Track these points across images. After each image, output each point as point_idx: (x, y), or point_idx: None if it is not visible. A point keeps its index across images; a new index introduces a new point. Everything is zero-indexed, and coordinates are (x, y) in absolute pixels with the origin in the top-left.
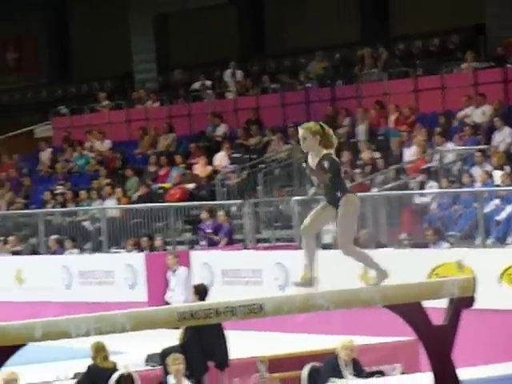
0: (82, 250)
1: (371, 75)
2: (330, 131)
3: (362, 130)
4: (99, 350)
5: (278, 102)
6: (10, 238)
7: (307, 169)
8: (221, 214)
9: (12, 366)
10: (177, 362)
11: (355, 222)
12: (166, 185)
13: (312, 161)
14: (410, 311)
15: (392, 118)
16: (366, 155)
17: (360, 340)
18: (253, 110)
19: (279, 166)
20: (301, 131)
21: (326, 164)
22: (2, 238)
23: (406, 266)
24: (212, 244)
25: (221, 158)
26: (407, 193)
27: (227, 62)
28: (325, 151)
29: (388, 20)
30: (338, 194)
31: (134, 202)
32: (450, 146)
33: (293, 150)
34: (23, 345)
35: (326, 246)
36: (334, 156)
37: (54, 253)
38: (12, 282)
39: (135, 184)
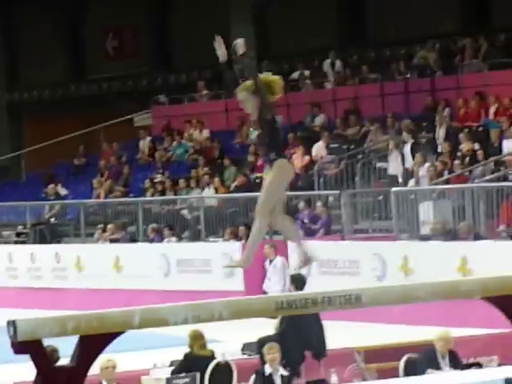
0: (180, 239)
1: (471, 66)
2: (269, 77)
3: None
4: (197, 339)
5: (377, 92)
6: (109, 226)
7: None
8: (318, 204)
9: (110, 353)
10: (272, 351)
11: (282, 189)
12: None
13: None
14: (508, 304)
15: (492, 109)
16: (465, 147)
17: (457, 332)
18: (351, 99)
19: (377, 156)
20: (239, 95)
21: (262, 122)
22: (100, 226)
23: (505, 258)
24: (309, 234)
25: (319, 148)
26: (507, 185)
27: (326, 52)
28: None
29: (489, 11)
30: (271, 156)
31: (231, 192)
32: None
33: (391, 141)
34: (121, 332)
35: (423, 238)
36: (272, 113)
37: (152, 241)
38: (110, 269)
39: (233, 173)
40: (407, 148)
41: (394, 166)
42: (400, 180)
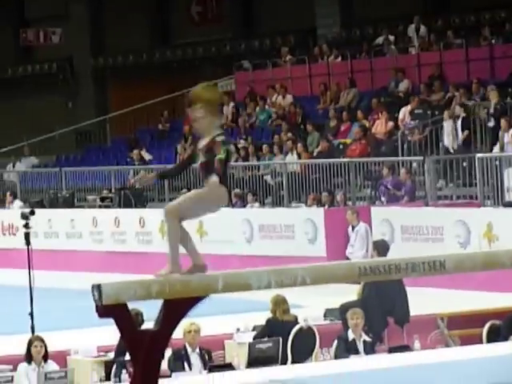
0: (263, 204)
1: None
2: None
3: None
4: (279, 304)
5: (462, 57)
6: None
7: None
8: (402, 170)
9: (193, 318)
10: (356, 317)
11: (203, 208)
12: (346, 140)
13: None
14: None
15: None
16: None
17: None
18: (436, 65)
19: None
20: (195, 109)
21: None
22: (184, 191)
23: None
24: (392, 200)
25: (406, 113)
26: None
27: (411, 17)
28: (216, 131)
29: None
30: (213, 178)
31: (314, 157)
32: None
33: (477, 106)
34: (205, 296)
35: (508, 204)
36: (220, 139)
37: (235, 206)
38: (193, 234)
39: (316, 139)
40: (458, 123)
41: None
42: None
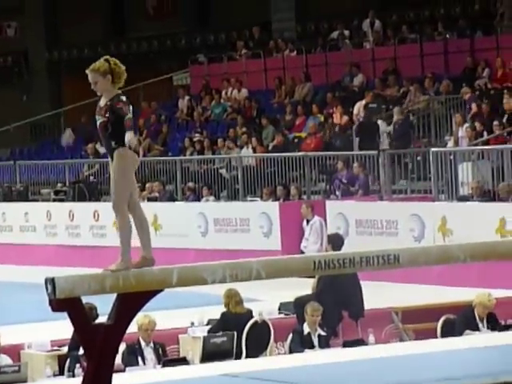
0: (218, 198)
1: (511, 27)
2: (122, 67)
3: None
4: (232, 297)
5: (417, 52)
6: (147, 185)
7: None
8: (355, 164)
9: (148, 312)
10: (316, 314)
11: (129, 180)
12: (301, 134)
13: (102, 101)
14: None
15: None
16: (507, 106)
17: (495, 293)
18: (390, 59)
19: (416, 116)
20: (90, 74)
21: (116, 106)
22: (139, 185)
23: None
24: (347, 194)
25: (360, 108)
26: None
27: (366, 12)
28: (117, 91)
29: None
30: (113, 144)
31: (269, 151)
32: None
33: (430, 101)
34: (160, 290)
35: (462, 198)
36: (124, 99)
37: (190, 200)
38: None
39: (271, 133)
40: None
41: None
42: None
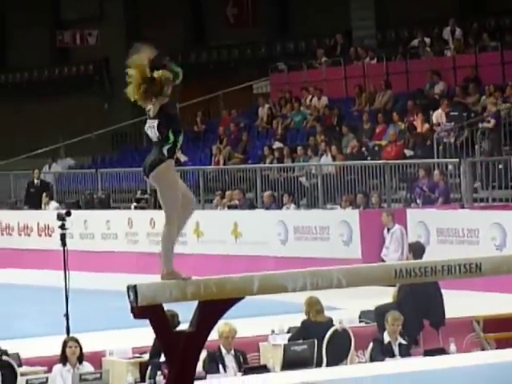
0: (298, 206)
1: None
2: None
3: None
4: (312, 304)
5: (498, 60)
6: (228, 193)
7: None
8: (437, 172)
9: (229, 319)
10: (397, 323)
11: (175, 192)
12: (382, 142)
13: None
14: None
15: None
16: None
17: None
18: (471, 67)
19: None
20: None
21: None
22: (219, 193)
23: None
24: (428, 202)
25: (438, 116)
26: None
27: (446, 19)
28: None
29: None
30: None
31: (349, 159)
32: None
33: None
34: (241, 298)
35: None
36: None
37: (270, 207)
38: (229, 235)
39: (351, 141)
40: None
41: None
42: None
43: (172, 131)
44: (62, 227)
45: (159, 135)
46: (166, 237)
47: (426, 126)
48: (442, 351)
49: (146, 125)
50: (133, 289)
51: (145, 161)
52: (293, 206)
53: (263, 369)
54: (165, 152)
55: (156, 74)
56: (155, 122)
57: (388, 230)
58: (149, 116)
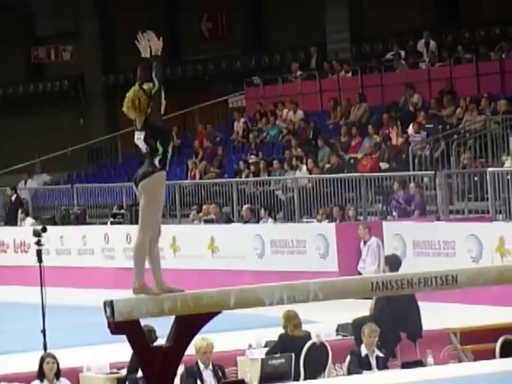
0: (275, 219)
1: None
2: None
3: None
4: (290, 318)
5: (472, 72)
6: (204, 207)
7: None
8: (412, 185)
9: (206, 334)
10: (373, 335)
11: (157, 208)
12: (357, 155)
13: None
14: None
15: None
16: None
17: None
18: (446, 80)
19: (473, 136)
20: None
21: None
22: (195, 207)
23: None
24: (404, 215)
25: (414, 129)
26: None
27: (421, 32)
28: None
29: None
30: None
31: (325, 173)
32: None
33: (487, 121)
34: (218, 312)
35: None
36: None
37: (246, 222)
38: (205, 250)
39: (327, 154)
40: None
41: None
42: None
43: (160, 142)
44: (38, 243)
45: (147, 147)
46: (138, 249)
47: (401, 139)
48: (420, 363)
49: (135, 137)
50: (109, 304)
51: (137, 172)
52: (270, 219)
53: (241, 383)
54: (156, 163)
55: (146, 86)
56: (142, 134)
57: (364, 242)
58: (136, 128)
